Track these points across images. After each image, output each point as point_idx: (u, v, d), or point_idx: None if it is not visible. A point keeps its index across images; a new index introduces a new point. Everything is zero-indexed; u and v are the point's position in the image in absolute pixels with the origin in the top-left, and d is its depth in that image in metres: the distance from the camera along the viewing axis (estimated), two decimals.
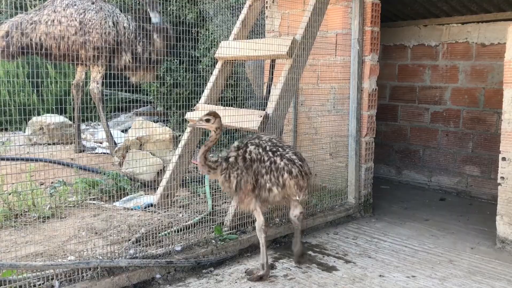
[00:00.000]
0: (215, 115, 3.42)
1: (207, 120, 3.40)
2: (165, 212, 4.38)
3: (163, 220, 4.15)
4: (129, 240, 3.60)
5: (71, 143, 6.53)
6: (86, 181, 4.84)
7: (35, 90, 7.14)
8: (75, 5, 5.82)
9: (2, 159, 5.49)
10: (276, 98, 4.22)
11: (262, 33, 5.82)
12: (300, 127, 5.59)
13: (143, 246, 3.49)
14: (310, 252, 4.00)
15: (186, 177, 5.16)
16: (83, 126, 7.33)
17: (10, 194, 4.33)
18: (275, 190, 3.28)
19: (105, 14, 5.89)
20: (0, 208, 4.20)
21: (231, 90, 6.22)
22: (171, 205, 4.53)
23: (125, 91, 7.71)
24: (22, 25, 5.75)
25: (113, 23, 5.90)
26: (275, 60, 4.88)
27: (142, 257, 3.27)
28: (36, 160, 5.48)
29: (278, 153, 3.34)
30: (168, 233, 3.75)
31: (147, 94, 8.12)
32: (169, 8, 7.21)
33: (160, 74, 6.97)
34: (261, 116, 4.12)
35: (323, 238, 4.40)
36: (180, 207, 4.61)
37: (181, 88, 6.91)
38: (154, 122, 6.59)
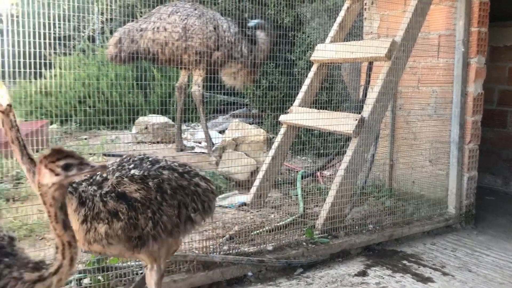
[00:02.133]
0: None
1: None
2: (257, 211, 4.47)
3: (256, 219, 4.24)
4: (223, 236, 3.73)
5: (172, 142, 6.89)
6: None
7: (142, 92, 7.65)
8: (178, 11, 6.14)
9: (111, 155, 5.97)
10: (373, 101, 4.13)
11: (360, 35, 5.72)
12: (397, 131, 5.40)
13: (236, 244, 3.60)
14: (404, 262, 3.85)
15: (278, 179, 5.22)
16: (184, 127, 7.71)
17: None
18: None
19: (206, 20, 6.14)
20: None
21: (326, 93, 6.18)
22: (263, 205, 4.61)
23: (223, 94, 7.98)
24: (132, 32, 6.18)
25: (214, 27, 6.13)
26: (372, 62, 4.77)
27: (235, 254, 3.37)
28: None
29: None
30: (260, 233, 3.82)
31: (243, 97, 8.34)
32: (267, 12, 7.35)
33: (257, 77, 7.12)
34: (356, 120, 4.05)
35: (419, 248, 4.21)
36: (272, 207, 4.68)
37: (276, 91, 7.01)
38: (249, 124, 6.74)
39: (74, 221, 2.47)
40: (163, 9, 6.21)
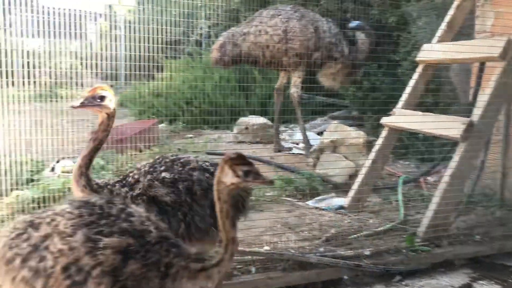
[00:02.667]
0: (109, 89, 2.69)
1: (102, 98, 2.60)
2: (355, 215, 4.40)
3: (353, 223, 4.18)
4: (320, 238, 3.73)
5: (271, 143, 7.02)
6: (283, 179, 5.16)
7: (243, 94, 7.89)
8: (279, 15, 6.24)
9: (213, 153, 6.23)
10: (484, 104, 3.87)
11: (471, 35, 5.37)
12: None
13: (332, 246, 3.58)
14: None
15: (378, 183, 5.08)
16: (282, 128, 7.81)
17: None
18: None
19: (306, 21, 6.17)
20: None
21: (432, 95, 5.89)
22: (361, 209, 4.53)
23: (322, 96, 7.95)
24: (234, 37, 6.39)
25: (314, 29, 6.14)
26: (484, 63, 4.46)
27: (331, 257, 3.35)
28: None
29: None
30: (358, 237, 3.76)
31: (343, 99, 8.23)
32: (370, 12, 7.19)
33: (357, 79, 7.00)
34: (464, 124, 3.82)
35: None
36: (370, 212, 4.57)
37: (378, 93, 6.83)
38: (349, 126, 6.65)
39: None
40: (264, 13, 6.34)
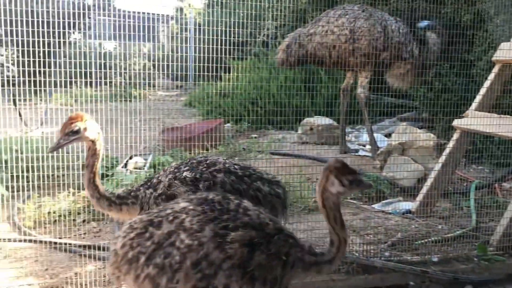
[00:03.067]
0: (81, 118, 2.60)
1: (75, 133, 2.57)
2: (423, 220, 4.26)
3: (421, 228, 4.04)
4: (385, 242, 3.64)
5: (336, 144, 6.94)
6: None
7: (308, 94, 7.87)
8: (346, 14, 6.16)
9: (277, 153, 6.27)
10: None
11: None
12: None
13: (398, 251, 3.49)
14: None
15: (448, 188, 4.88)
16: (348, 129, 7.70)
17: None
18: None
19: (374, 21, 6.05)
20: None
21: (510, 96, 5.57)
22: (430, 214, 4.37)
23: (390, 96, 7.74)
24: (300, 37, 6.39)
25: (382, 28, 6.01)
26: None
27: (397, 262, 3.27)
28: (305, 157, 6.04)
29: None
30: (425, 243, 3.64)
31: (413, 100, 7.97)
32: (442, 11, 6.91)
33: (428, 79, 6.76)
34: None
35: None
36: (440, 218, 4.41)
37: (450, 94, 6.55)
38: (418, 128, 6.43)
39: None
40: (331, 13, 6.29)
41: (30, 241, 3.99)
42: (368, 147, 6.90)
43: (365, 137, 7.32)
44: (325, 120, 7.46)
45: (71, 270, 3.62)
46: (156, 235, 2.01)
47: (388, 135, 7.31)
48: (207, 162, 2.70)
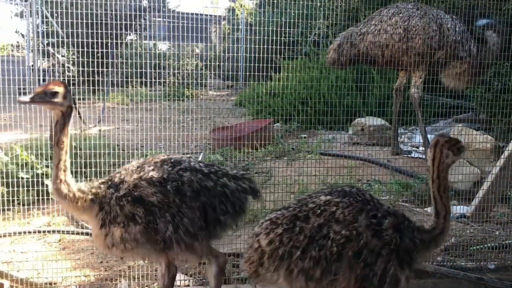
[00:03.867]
0: (63, 85, 2.47)
1: (52, 94, 2.43)
2: (479, 225, 4.09)
3: (476, 233, 3.89)
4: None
5: (388, 145, 6.80)
6: (400, 183, 4.97)
7: (360, 94, 7.75)
8: (400, 12, 6.02)
9: (327, 154, 6.21)
10: None
11: None
12: None
13: (451, 256, 3.38)
14: None
15: (507, 192, 4.67)
16: (401, 130, 7.51)
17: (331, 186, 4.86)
18: None
19: (429, 19, 5.87)
20: None
21: None
22: (486, 219, 4.20)
23: (446, 97, 7.49)
24: (352, 37, 6.30)
25: (437, 26, 5.82)
26: None
27: (450, 267, 3.17)
28: (356, 158, 5.95)
29: None
30: (481, 248, 3.50)
31: (469, 100, 7.67)
32: (504, 8, 6.61)
33: (486, 79, 6.49)
34: None
35: None
36: (497, 223, 4.22)
37: (509, 94, 6.25)
38: (475, 130, 6.19)
39: (94, 227, 2.55)
40: (384, 12, 6.17)
41: (86, 234, 4.16)
42: (421, 148, 6.71)
43: (418, 138, 7.12)
44: (377, 121, 7.33)
45: (125, 263, 3.75)
46: (307, 229, 2.10)
47: None
48: (172, 160, 2.63)
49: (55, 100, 2.44)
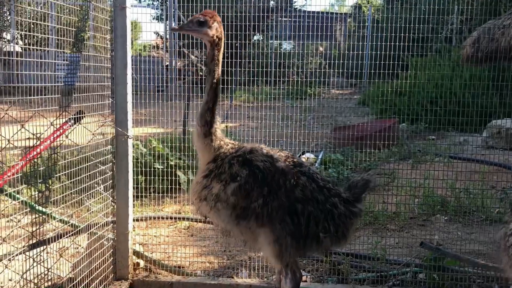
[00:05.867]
0: (212, 15, 2.44)
1: (200, 23, 2.43)
2: None
3: None
4: None
5: None
6: None
7: (497, 94, 7.11)
8: None
9: (457, 157, 5.81)
10: None
11: None
12: None
13: None
14: None
15: None
16: None
17: (460, 192, 4.55)
18: None
19: None
20: (452, 203, 4.49)
21: None
22: None
23: None
24: (492, 30, 5.79)
25: None
26: None
27: None
28: (490, 163, 5.48)
29: None
30: None
31: None
32: None
33: None
34: None
35: None
36: None
37: None
38: None
39: (200, 171, 2.54)
40: None
41: (211, 223, 4.42)
42: None
43: None
44: None
45: (246, 254, 3.92)
46: None
47: None
48: (294, 160, 2.57)
49: (201, 29, 2.47)
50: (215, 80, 2.53)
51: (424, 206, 4.66)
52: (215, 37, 2.50)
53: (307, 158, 6.03)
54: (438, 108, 7.66)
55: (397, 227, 4.43)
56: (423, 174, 4.56)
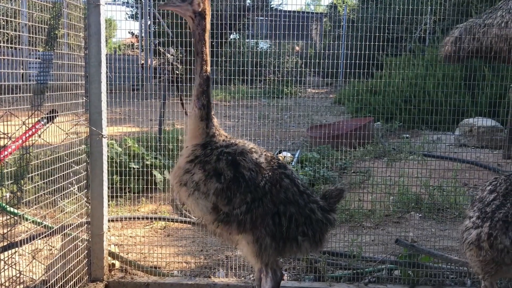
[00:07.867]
0: None
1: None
2: None
3: None
4: None
5: (499, 148, 6.31)
6: None
7: (469, 93, 7.27)
8: None
9: (431, 155, 5.92)
10: None
11: None
12: None
13: None
14: None
15: None
16: None
17: (434, 189, 4.64)
18: None
19: None
20: (426, 200, 4.57)
21: None
22: None
23: None
24: (473, 29, 5.80)
25: None
26: None
27: None
28: (462, 161, 5.60)
29: None
30: None
31: None
32: None
33: None
34: None
35: None
36: None
37: None
38: None
39: (185, 155, 2.46)
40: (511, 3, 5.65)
41: (189, 222, 4.39)
42: None
43: None
44: (488, 122, 6.83)
45: (223, 253, 3.91)
46: None
47: None
48: (279, 162, 2.58)
49: (182, 4, 2.45)
50: (204, 61, 2.48)
51: (399, 204, 4.73)
52: (196, 13, 2.45)
53: (284, 156, 6.04)
54: (412, 107, 7.77)
55: (373, 224, 4.49)
56: (397, 172, 4.63)
